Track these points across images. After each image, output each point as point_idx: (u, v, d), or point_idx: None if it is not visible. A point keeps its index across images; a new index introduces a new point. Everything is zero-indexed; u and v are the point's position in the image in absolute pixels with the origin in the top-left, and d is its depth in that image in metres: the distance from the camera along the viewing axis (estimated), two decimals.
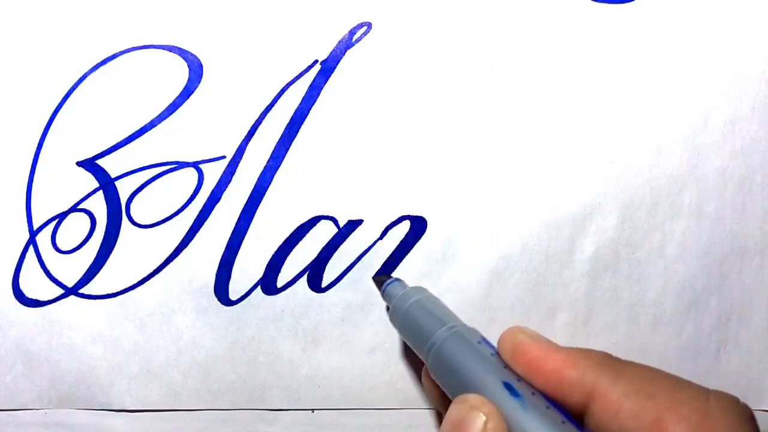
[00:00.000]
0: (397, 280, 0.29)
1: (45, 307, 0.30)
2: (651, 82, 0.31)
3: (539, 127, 0.30)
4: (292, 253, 0.30)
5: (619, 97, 0.31)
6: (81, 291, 0.30)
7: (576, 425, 0.20)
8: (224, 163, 0.30)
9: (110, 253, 0.30)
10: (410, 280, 0.30)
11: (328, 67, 0.30)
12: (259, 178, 0.30)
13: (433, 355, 0.24)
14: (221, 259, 0.30)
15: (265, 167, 0.30)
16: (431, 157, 0.30)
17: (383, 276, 0.30)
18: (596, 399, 0.20)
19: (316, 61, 0.30)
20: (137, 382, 0.31)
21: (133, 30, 0.30)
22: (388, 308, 0.29)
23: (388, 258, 0.31)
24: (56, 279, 0.30)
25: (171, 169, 0.30)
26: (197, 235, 0.30)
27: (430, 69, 0.30)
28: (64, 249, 0.30)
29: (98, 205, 0.30)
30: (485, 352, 0.23)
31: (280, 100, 0.30)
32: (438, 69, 0.30)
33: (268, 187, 0.30)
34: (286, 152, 0.30)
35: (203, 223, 0.30)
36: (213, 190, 0.30)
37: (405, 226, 0.30)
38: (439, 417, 0.29)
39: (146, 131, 0.30)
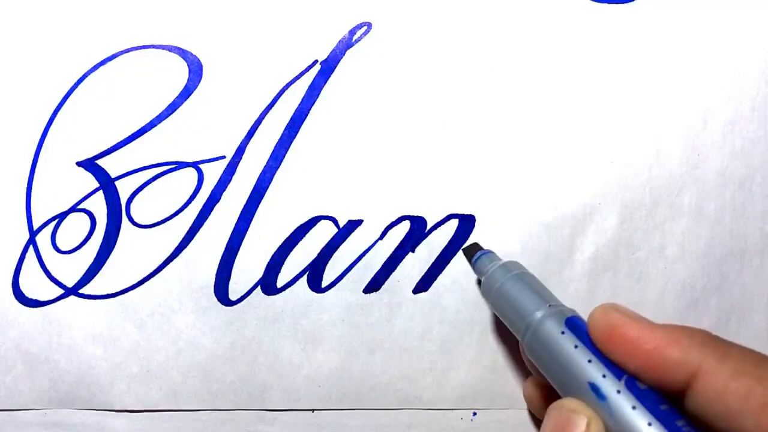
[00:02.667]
0: (489, 252, 0.29)
1: (45, 307, 0.30)
2: (651, 82, 0.31)
3: (539, 127, 0.30)
4: (292, 253, 0.30)
5: (619, 97, 0.31)
6: (81, 291, 0.30)
7: (666, 420, 0.19)
8: (224, 163, 0.30)
9: (110, 253, 0.30)
10: (410, 280, 0.31)
11: (328, 67, 0.30)
12: (259, 178, 0.30)
13: (528, 339, 0.24)
14: (221, 259, 0.30)
15: (265, 167, 0.30)
16: (431, 157, 0.30)
17: (473, 246, 0.30)
18: (700, 379, 0.20)
19: (316, 61, 0.30)
20: (137, 382, 0.31)
21: (133, 30, 0.30)
22: (479, 281, 0.29)
23: (388, 258, 0.31)
24: (56, 279, 0.30)
25: (171, 169, 0.30)
26: (197, 235, 0.30)
27: (430, 69, 0.30)
28: (64, 249, 0.30)
29: (98, 205, 0.30)
30: (571, 342, 0.22)
31: (280, 100, 0.30)
32: (438, 69, 0.30)
33: (268, 187, 0.30)
34: (286, 152, 0.30)
35: (203, 223, 0.30)
36: (213, 190, 0.30)
37: (405, 226, 0.30)
38: (538, 387, 0.29)
39: (146, 131, 0.30)
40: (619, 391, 0.20)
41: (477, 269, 0.29)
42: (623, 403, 0.20)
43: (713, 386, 0.19)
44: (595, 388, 0.21)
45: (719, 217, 0.31)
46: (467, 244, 0.30)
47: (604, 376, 0.21)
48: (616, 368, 0.21)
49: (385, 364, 0.31)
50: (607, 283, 0.31)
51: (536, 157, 0.31)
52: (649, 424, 0.19)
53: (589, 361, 0.22)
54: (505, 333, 0.31)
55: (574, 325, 0.23)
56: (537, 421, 0.31)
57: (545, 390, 0.28)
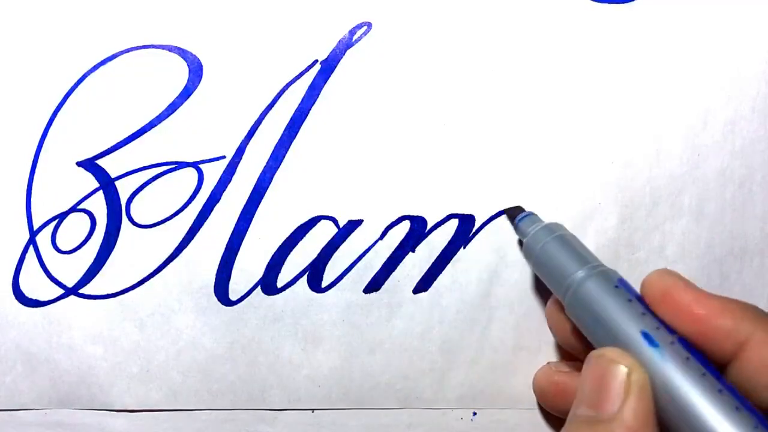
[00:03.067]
0: (531, 213, 0.29)
1: (45, 307, 0.30)
2: (651, 82, 0.31)
3: (539, 127, 0.30)
4: (292, 253, 0.30)
5: (619, 97, 0.31)
6: (81, 291, 0.30)
7: (717, 377, 0.20)
8: (224, 163, 0.30)
9: (110, 253, 0.30)
10: (410, 280, 0.31)
11: (328, 67, 0.30)
12: (259, 178, 0.30)
13: (571, 296, 0.24)
14: (221, 259, 0.30)
15: (265, 167, 0.30)
16: (431, 157, 0.30)
17: (516, 208, 0.30)
18: (748, 350, 0.20)
19: (316, 61, 0.30)
20: (137, 382, 0.31)
21: (133, 30, 0.30)
22: (520, 242, 0.29)
23: (388, 258, 0.31)
24: (56, 279, 0.30)
25: (171, 169, 0.30)
26: (197, 235, 0.30)
27: (430, 69, 0.30)
28: (64, 249, 0.30)
29: (98, 205, 0.30)
30: (623, 296, 0.23)
31: (280, 100, 0.30)
32: (438, 69, 0.30)
33: (268, 187, 0.30)
34: (286, 152, 0.30)
35: (203, 223, 0.30)
36: (213, 190, 0.30)
37: (405, 226, 0.30)
38: (565, 354, 0.29)
39: (146, 131, 0.30)
40: (672, 343, 0.21)
41: (520, 231, 0.29)
42: (677, 352, 0.20)
43: (760, 358, 0.20)
44: (647, 337, 0.21)
45: (719, 217, 0.31)
46: (510, 206, 0.30)
47: (657, 328, 0.21)
48: (668, 328, 0.22)
49: (385, 364, 0.31)
50: None
51: (536, 157, 0.31)
52: (703, 375, 0.20)
53: (643, 313, 0.22)
54: (505, 332, 0.31)
55: (626, 285, 0.24)
56: (547, 415, 0.31)
57: (563, 378, 0.28)
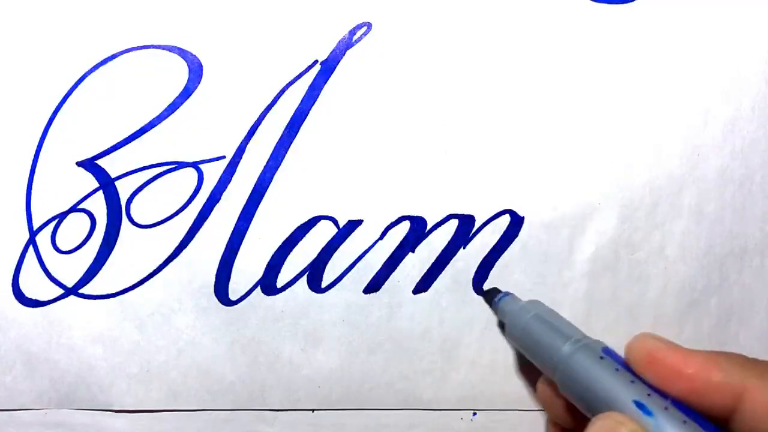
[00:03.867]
0: (508, 294, 0.29)
1: (45, 307, 0.30)
2: (651, 82, 0.31)
3: (539, 127, 0.30)
4: (291, 253, 0.30)
5: (619, 97, 0.31)
6: (81, 291, 0.30)
7: None
8: (224, 163, 0.30)
9: (110, 253, 0.30)
10: (410, 280, 0.31)
11: (328, 67, 0.30)
12: (259, 178, 0.30)
13: (561, 374, 0.24)
14: (221, 259, 0.30)
15: (265, 167, 0.30)
16: (431, 157, 0.30)
17: (493, 290, 0.30)
18: (746, 400, 0.20)
19: (316, 61, 0.30)
20: (137, 383, 0.31)
21: (133, 30, 0.30)
22: (501, 324, 0.30)
23: (388, 258, 0.31)
24: (56, 279, 0.30)
25: (171, 169, 0.30)
26: (197, 235, 0.30)
27: (430, 69, 0.30)
28: (64, 249, 0.30)
29: (98, 205, 0.30)
30: (611, 366, 0.23)
31: (280, 100, 0.30)
32: (438, 69, 0.30)
33: (268, 187, 0.30)
34: (286, 152, 0.30)
35: (203, 223, 0.30)
36: (213, 190, 0.30)
37: (405, 226, 0.30)
38: (553, 425, 0.29)
39: (146, 131, 0.30)
40: (666, 408, 0.20)
41: (499, 313, 0.29)
42: (673, 417, 0.20)
43: (762, 404, 0.19)
44: (640, 405, 0.21)
45: (719, 217, 0.31)
46: (486, 287, 0.30)
47: (648, 395, 0.21)
48: (659, 392, 0.21)
49: (385, 364, 0.31)
50: (606, 283, 0.31)
51: (536, 157, 0.31)
52: None
53: (632, 381, 0.22)
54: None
55: (611, 354, 0.24)
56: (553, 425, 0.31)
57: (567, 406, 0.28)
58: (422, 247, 0.31)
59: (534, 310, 0.27)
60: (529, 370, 0.31)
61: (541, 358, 0.26)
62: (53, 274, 0.30)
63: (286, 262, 0.30)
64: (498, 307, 0.29)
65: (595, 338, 0.25)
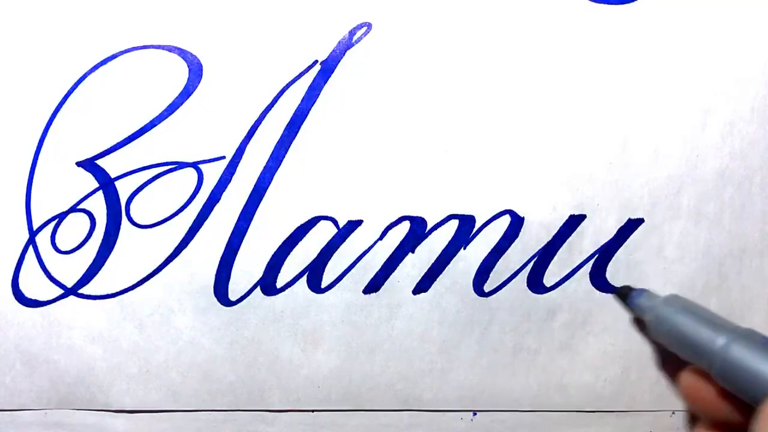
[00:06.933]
0: (644, 290, 0.29)
1: (45, 307, 0.30)
2: (650, 82, 0.31)
3: (538, 127, 0.31)
4: (291, 253, 0.30)
5: (618, 97, 0.31)
6: (81, 291, 0.30)
7: None
8: (224, 163, 0.30)
9: (110, 253, 0.30)
10: (410, 280, 0.31)
11: (328, 67, 0.30)
12: (259, 178, 0.30)
13: (721, 364, 0.24)
14: (221, 260, 0.30)
15: (265, 167, 0.30)
16: (431, 157, 0.30)
17: (625, 288, 0.30)
18: None
19: (316, 62, 0.30)
20: (137, 383, 0.31)
21: (133, 30, 0.30)
22: (637, 320, 0.30)
23: (388, 258, 0.31)
24: (56, 279, 0.30)
25: (171, 169, 0.30)
26: (197, 235, 0.30)
27: (430, 69, 0.30)
28: (63, 249, 0.30)
29: (98, 205, 0.30)
30: None
31: (280, 100, 0.30)
32: (438, 69, 0.30)
33: (268, 187, 0.30)
34: (286, 152, 0.30)
35: (203, 223, 0.30)
36: (213, 190, 0.30)
37: (405, 227, 0.30)
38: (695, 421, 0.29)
39: (146, 131, 0.30)
40: None
41: (637, 310, 0.29)
42: None
43: None
44: None
45: (718, 217, 0.31)
46: (619, 287, 0.30)
47: None
48: None
49: (385, 365, 0.31)
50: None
51: (535, 157, 0.31)
52: None
53: None
54: (505, 333, 0.31)
55: None
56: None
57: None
58: (422, 248, 0.31)
59: (678, 303, 0.27)
60: (528, 366, 0.31)
61: (694, 351, 0.26)
62: (53, 274, 0.30)
63: (285, 263, 0.30)
64: (636, 304, 0.29)
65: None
